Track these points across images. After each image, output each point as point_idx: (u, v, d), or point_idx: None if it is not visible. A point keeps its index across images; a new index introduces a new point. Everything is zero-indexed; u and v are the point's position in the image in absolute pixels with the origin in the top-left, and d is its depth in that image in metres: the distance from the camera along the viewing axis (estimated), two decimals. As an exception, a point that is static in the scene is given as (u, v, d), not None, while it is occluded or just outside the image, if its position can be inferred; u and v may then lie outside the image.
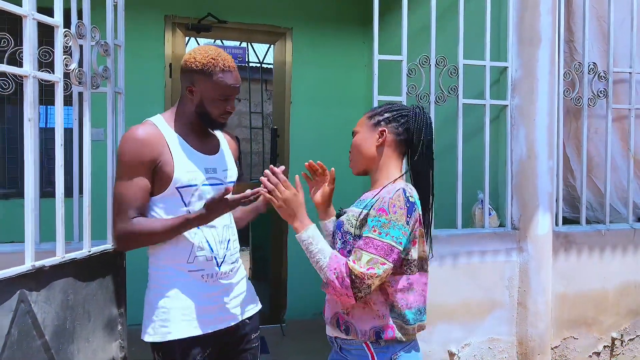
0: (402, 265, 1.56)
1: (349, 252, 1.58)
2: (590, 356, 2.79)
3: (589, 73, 2.81)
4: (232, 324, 1.87)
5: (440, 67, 2.59)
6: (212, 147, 1.92)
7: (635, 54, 2.88)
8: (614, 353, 2.82)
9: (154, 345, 1.81)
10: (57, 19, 1.84)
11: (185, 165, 1.78)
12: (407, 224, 1.52)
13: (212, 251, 1.83)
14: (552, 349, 2.71)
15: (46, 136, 4.26)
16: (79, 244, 2.16)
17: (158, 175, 1.76)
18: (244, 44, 4.95)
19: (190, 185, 1.79)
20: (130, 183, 1.73)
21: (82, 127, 2.05)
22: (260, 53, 6.22)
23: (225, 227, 1.88)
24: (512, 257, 2.67)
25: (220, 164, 1.91)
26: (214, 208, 1.71)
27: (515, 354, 2.66)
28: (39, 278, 1.76)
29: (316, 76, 4.42)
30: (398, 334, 1.56)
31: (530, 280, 2.64)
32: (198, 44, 6.81)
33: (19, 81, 2.05)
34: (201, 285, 1.80)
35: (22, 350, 1.68)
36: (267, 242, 4.53)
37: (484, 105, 2.69)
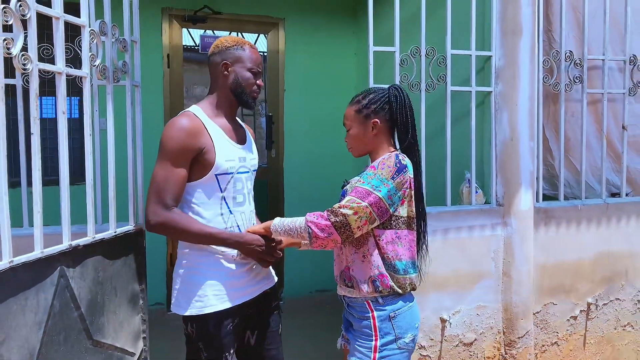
0: (390, 220, 1.83)
1: None
2: (568, 320, 3.03)
3: (565, 60, 3.02)
4: (256, 294, 2.05)
5: (430, 57, 2.78)
6: (242, 137, 2.08)
7: (608, 42, 3.09)
8: (589, 317, 3.07)
9: (189, 318, 1.95)
10: (84, 19, 2.01)
11: (224, 154, 1.94)
12: (392, 179, 1.80)
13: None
14: (534, 314, 2.93)
15: (42, 126, 4.39)
16: (102, 225, 2.34)
17: (200, 163, 1.89)
18: (235, 35, 5.09)
19: (227, 173, 1.95)
20: (174, 170, 1.85)
21: (89, 119, 2.22)
22: (250, 41, 6.36)
23: (251, 212, 2.08)
24: (497, 231, 2.88)
25: (248, 153, 2.08)
26: (250, 250, 1.93)
27: (501, 319, 2.90)
28: (74, 256, 1.95)
29: (308, 65, 4.59)
30: (391, 283, 1.83)
31: (514, 252, 2.86)
32: (191, 36, 6.91)
33: (45, 77, 2.21)
34: (231, 264, 1.97)
35: (63, 321, 1.87)
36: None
37: (470, 91, 2.87)
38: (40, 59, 1.88)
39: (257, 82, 2.01)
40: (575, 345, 3.05)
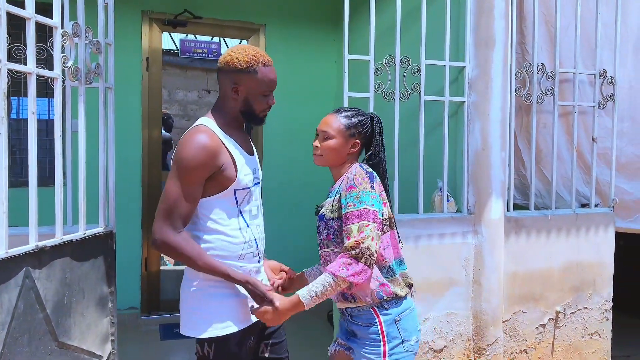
0: (382, 227, 1.87)
1: (334, 234, 1.89)
2: (537, 328, 3.08)
3: (537, 73, 3.08)
4: None
5: (405, 67, 2.82)
6: (250, 147, 2.01)
7: (579, 56, 3.16)
8: (557, 325, 3.12)
9: (207, 340, 1.85)
10: (56, 20, 2.01)
11: (244, 169, 1.87)
12: (373, 188, 1.85)
13: (257, 247, 1.96)
14: (503, 322, 2.97)
15: (18, 126, 4.36)
16: (72, 227, 2.33)
17: (216, 179, 1.81)
18: (217, 39, 5.11)
19: (246, 188, 1.89)
20: (188, 190, 1.77)
21: (64, 120, 2.22)
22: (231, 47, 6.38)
23: (262, 223, 2.03)
24: (468, 239, 2.92)
25: (256, 163, 2.03)
26: (256, 295, 1.83)
27: (471, 326, 2.93)
28: (41, 257, 1.94)
29: (288, 71, 4.59)
30: (393, 289, 1.87)
31: (484, 260, 2.90)
32: (172, 40, 6.92)
33: (16, 77, 2.21)
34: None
35: (27, 322, 1.86)
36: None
37: (444, 101, 2.91)
38: (14, 60, 1.87)
39: (269, 101, 1.91)
40: (543, 353, 3.10)
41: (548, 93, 3.13)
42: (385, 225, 1.92)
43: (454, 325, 2.90)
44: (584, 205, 3.30)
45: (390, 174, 2.13)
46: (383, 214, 1.90)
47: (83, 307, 2.20)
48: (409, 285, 1.96)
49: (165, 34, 6.91)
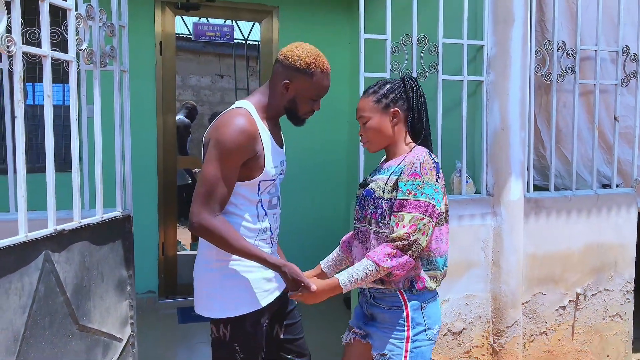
0: (437, 220, 1.81)
1: (381, 214, 1.81)
2: (557, 310, 3.04)
3: (558, 50, 3.01)
4: (282, 289, 1.98)
5: (422, 46, 2.76)
6: (281, 140, 2.00)
7: (601, 33, 3.08)
8: (578, 307, 3.07)
9: (222, 320, 1.86)
10: (70, 2, 1.99)
11: (273, 160, 1.86)
12: (437, 181, 1.77)
13: (272, 235, 1.96)
14: (523, 304, 2.93)
15: (34, 113, 4.37)
16: (89, 211, 2.34)
17: (248, 167, 1.80)
18: (229, 22, 5.07)
19: (271, 180, 1.88)
20: (227, 173, 1.75)
21: (79, 104, 2.21)
22: (245, 30, 6.34)
23: (279, 214, 2.02)
24: (487, 221, 2.88)
25: (284, 155, 2.01)
26: (291, 281, 1.77)
27: (490, 308, 2.90)
28: (60, 241, 1.94)
29: (302, 54, 4.55)
30: (429, 284, 1.81)
31: (504, 242, 2.86)
32: (185, 24, 6.88)
33: (31, 61, 2.20)
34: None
35: (48, 305, 1.87)
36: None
37: (462, 81, 2.86)
38: (28, 43, 1.85)
39: (314, 106, 1.91)
40: (563, 335, 3.06)
41: (568, 71, 3.05)
42: (440, 220, 1.84)
43: (472, 307, 2.87)
44: (605, 186, 3.24)
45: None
46: (440, 207, 1.82)
47: (102, 291, 2.21)
48: (444, 277, 1.90)
49: (178, 18, 6.91)
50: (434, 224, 1.78)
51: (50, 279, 1.89)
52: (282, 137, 2.05)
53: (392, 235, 1.74)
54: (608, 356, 3.17)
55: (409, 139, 1.91)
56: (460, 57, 2.87)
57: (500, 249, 2.87)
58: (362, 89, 2.66)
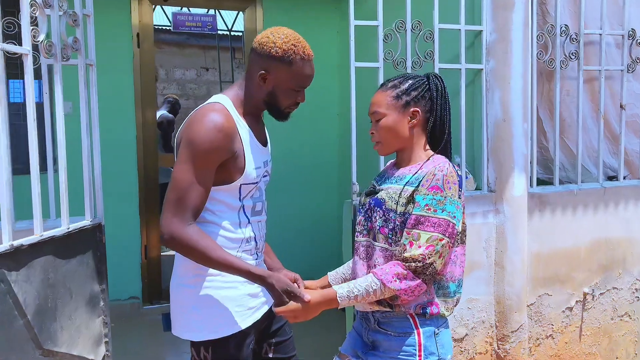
0: (454, 240, 1.59)
1: (392, 229, 1.59)
2: (563, 311, 2.88)
3: (561, 35, 2.83)
4: (270, 305, 1.78)
5: (416, 32, 2.57)
6: (264, 137, 1.80)
7: (605, 15, 2.90)
8: (585, 307, 2.92)
9: (204, 342, 1.67)
10: (22, -13, 1.76)
11: (254, 161, 1.68)
12: (459, 198, 1.56)
13: (257, 245, 1.76)
14: (528, 306, 2.77)
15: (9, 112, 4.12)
16: (56, 221, 2.12)
17: (226, 169, 1.62)
18: (212, 12, 4.83)
19: (253, 183, 1.68)
20: (201, 176, 1.57)
21: (54, 101, 1.99)
22: (228, 20, 6.10)
23: (266, 220, 1.83)
24: (489, 219, 2.71)
25: (268, 154, 1.81)
26: (279, 293, 1.56)
27: (493, 312, 2.73)
28: (18, 257, 1.73)
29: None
30: (442, 310, 1.59)
31: (507, 241, 2.69)
32: (166, 15, 6.61)
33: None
34: None
35: (4, 330, 1.66)
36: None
37: (460, 69, 2.68)
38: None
39: (298, 98, 1.69)
40: (571, 337, 2.90)
41: (572, 57, 2.87)
42: (457, 239, 1.62)
43: (475, 311, 2.70)
44: (611, 178, 3.09)
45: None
46: (459, 227, 1.61)
47: (71, 309, 2.00)
48: (457, 303, 1.68)
49: (158, 9, 6.65)
50: (451, 245, 1.57)
51: (7, 301, 1.68)
52: (267, 134, 1.85)
53: (405, 254, 1.53)
54: (617, 358, 3.01)
55: (427, 145, 1.68)
56: (457, 43, 2.69)
57: (503, 249, 2.69)
58: (353, 80, 2.46)
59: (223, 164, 1.62)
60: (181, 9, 5.35)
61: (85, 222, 2.11)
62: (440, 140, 1.66)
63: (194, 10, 4.92)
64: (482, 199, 2.70)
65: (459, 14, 2.66)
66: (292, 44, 1.62)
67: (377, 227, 1.62)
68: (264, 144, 1.78)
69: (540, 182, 2.93)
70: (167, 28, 7.90)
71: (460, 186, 1.57)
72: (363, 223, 1.70)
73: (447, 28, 2.64)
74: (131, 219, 4.13)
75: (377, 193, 1.66)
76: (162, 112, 5.78)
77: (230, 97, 1.69)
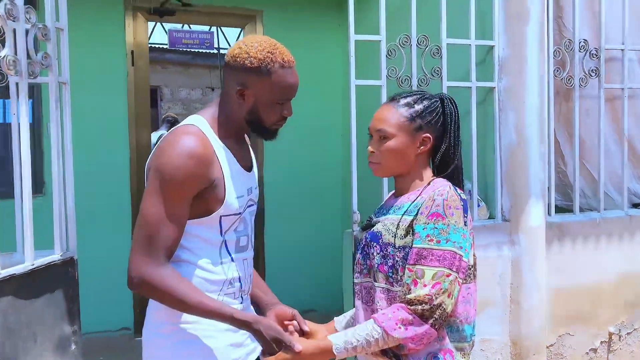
0: (465, 275, 1.40)
1: (392, 266, 1.40)
2: (587, 353, 2.67)
3: (580, 51, 2.64)
4: (257, 356, 1.58)
5: (422, 47, 2.40)
6: (249, 161, 1.59)
7: (628, 29, 2.72)
8: (611, 348, 2.69)
9: None
10: (-21, -3, 1.59)
11: (236, 189, 1.48)
12: (465, 225, 1.37)
13: (242, 286, 1.55)
14: (547, 347, 2.57)
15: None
16: (23, 255, 1.92)
17: (203, 200, 1.43)
18: (212, 29, 4.68)
19: (235, 214, 1.48)
20: (176, 210, 1.38)
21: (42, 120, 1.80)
22: (231, 38, 5.97)
23: (252, 257, 1.61)
24: (504, 251, 2.52)
25: (254, 181, 1.60)
26: (267, 341, 1.38)
27: (509, 354, 2.51)
28: (-31, 300, 1.52)
29: (289, 62, 4.19)
30: (458, 358, 1.39)
31: (523, 276, 2.50)
32: (164, 29, 6.49)
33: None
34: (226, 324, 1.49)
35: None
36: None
37: (470, 87, 2.52)
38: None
39: (284, 112, 1.49)
40: (595, 381, 2.66)
41: (592, 74, 2.69)
42: (469, 273, 1.42)
43: (489, 353, 2.50)
44: (636, 206, 2.89)
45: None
46: (469, 259, 1.41)
47: (36, 355, 1.80)
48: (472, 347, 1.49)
49: (159, 27, 6.54)
50: (460, 280, 1.37)
51: (-46, 350, 1.47)
52: (252, 157, 1.64)
53: (409, 296, 1.33)
54: (646, 404, 2.75)
55: (429, 171, 1.52)
56: (467, 60, 2.53)
57: (519, 284, 2.50)
58: (353, 98, 2.28)
59: (200, 194, 1.42)
60: (182, 26, 5.23)
61: (55, 256, 1.91)
62: (447, 164, 1.49)
63: (194, 28, 4.78)
64: (496, 229, 2.53)
65: (469, 27, 2.51)
66: (268, 52, 1.42)
67: (376, 265, 1.44)
68: (249, 168, 1.58)
69: (559, 209, 2.75)
70: (170, 48, 7.80)
71: (465, 211, 1.38)
72: (361, 262, 1.51)
73: (456, 43, 2.49)
74: (123, 244, 3.92)
75: (374, 226, 1.49)
76: (161, 132, 5.62)
77: (207, 117, 1.49)
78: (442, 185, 1.42)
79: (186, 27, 5.14)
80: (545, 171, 2.56)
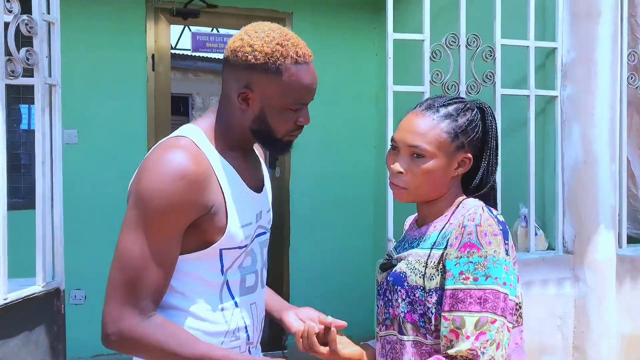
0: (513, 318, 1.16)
1: (422, 314, 1.16)
2: (664, 412, 2.25)
3: (658, 55, 2.28)
4: None
5: (473, 49, 2.10)
6: (259, 177, 1.30)
7: None
8: (693, 408, 2.28)
9: None
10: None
11: (240, 216, 1.19)
12: (507, 254, 1.12)
13: (249, 338, 1.27)
14: (617, 404, 2.18)
15: None
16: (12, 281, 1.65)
17: (199, 229, 1.16)
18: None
19: (240, 247, 1.20)
20: (163, 247, 1.11)
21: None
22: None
23: (264, 298, 1.33)
24: (565, 289, 2.21)
25: (266, 203, 1.31)
26: None
27: (571, 412, 2.14)
28: None
29: (320, 68, 3.84)
30: None
31: (589, 319, 2.17)
32: (190, 30, 6.27)
33: None
34: None
35: None
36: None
37: (528, 96, 2.21)
38: None
39: (299, 119, 1.19)
40: None
41: (672, 83, 2.30)
42: (516, 314, 1.16)
43: (547, 411, 2.11)
44: None
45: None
46: (516, 295, 1.15)
47: (8, 404, 1.51)
48: None
49: (187, 31, 6.36)
50: (510, 325, 1.10)
51: None
52: (264, 173, 1.34)
53: (450, 351, 1.08)
54: None
55: (460, 193, 1.24)
56: (524, 64, 2.22)
57: (585, 329, 2.19)
58: (390, 107, 2.00)
59: (195, 224, 1.13)
60: (212, 30, 5.03)
61: (35, 287, 1.63)
62: (482, 186, 1.25)
63: (222, 31, 4.56)
64: (556, 262, 2.22)
65: (527, 26, 2.19)
66: (277, 44, 1.12)
67: (402, 315, 1.17)
68: (258, 188, 1.27)
69: (631, 239, 2.39)
70: (205, 55, 7.61)
71: (505, 237, 1.14)
72: (382, 310, 1.23)
73: (511, 45, 2.17)
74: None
75: (395, 265, 1.22)
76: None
77: (203, 127, 1.19)
78: (474, 207, 1.16)
79: (213, 30, 4.94)
80: (616, 195, 2.23)
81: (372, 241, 4.10)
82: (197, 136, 1.15)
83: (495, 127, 1.24)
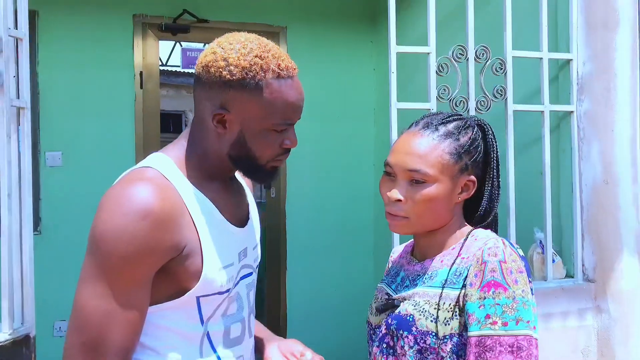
0: None
1: None
2: None
3: (678, 66, 2.12)
4: None
5: (482, 62, 1.93)
6: (242, 209, 1.13)
7: None
8: None
9: None
10: None
11: (220, 256, 1.03)
12: (532, 290, 1.02)
13: None
14: None
15: None
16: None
17: (171, 275, 1.00)
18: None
19: (220, 293, 1.03)
20: (126, 301, 0.94)
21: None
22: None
23: (252, 349, 1.16)
24: (587, 321, 2.03)
25: (251, 238, 1.14)
26: None
27: None
28: None
29: (315, 83, 3.77)
30: None
31: (615, 353, 2.01)
32: (181, 46, 6.13)
33: None
34: None
35: None
36: (262, 276, 3.88)
37: (542, 112, 2.05)
38: None
39: (285, 142, 1.04)
40: None
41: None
42: None
43: None
44: None
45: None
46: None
47: None
48: None
49: (178, 47, 6.22)
50: None
51: None
52: (249, 203, 1.17)
53: None
54: None
55: (463, 222, 1.11)
56: (532, 78, 2.07)
57: None
58: (394, 125, 1.81)
59: (164, 269, 0.96)
60: (203, 45, 4.89)
61: (2, 335, 1.45)
62: (487, 213, 1.12)
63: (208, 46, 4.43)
64: (577, 291, 2.04)
65: (539, 37, 2.03)
66: (255, 56, 0.96)
67: None
68: (242, 222, 1.10)
69: None
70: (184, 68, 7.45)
71: (528, 274, 1.02)
72: (380, 359, 1.07)
73: (523, 57, 2.01)
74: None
75: (398, 306, 1.06)
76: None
77: (173, 155, 1.02)
78: (491, 241, 1.02)
79: (204, 46, 4.79)
80: (639, 217, 2.04)
81: (372, 266, 3.94)
82: (165, 166, 0.98)
83: (496, 146, 1.11)
